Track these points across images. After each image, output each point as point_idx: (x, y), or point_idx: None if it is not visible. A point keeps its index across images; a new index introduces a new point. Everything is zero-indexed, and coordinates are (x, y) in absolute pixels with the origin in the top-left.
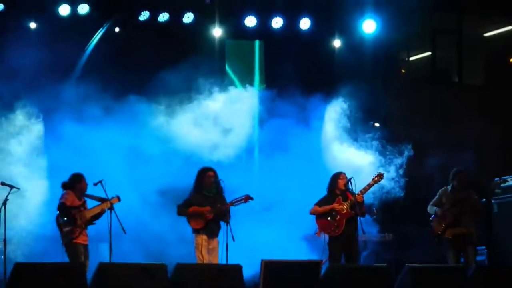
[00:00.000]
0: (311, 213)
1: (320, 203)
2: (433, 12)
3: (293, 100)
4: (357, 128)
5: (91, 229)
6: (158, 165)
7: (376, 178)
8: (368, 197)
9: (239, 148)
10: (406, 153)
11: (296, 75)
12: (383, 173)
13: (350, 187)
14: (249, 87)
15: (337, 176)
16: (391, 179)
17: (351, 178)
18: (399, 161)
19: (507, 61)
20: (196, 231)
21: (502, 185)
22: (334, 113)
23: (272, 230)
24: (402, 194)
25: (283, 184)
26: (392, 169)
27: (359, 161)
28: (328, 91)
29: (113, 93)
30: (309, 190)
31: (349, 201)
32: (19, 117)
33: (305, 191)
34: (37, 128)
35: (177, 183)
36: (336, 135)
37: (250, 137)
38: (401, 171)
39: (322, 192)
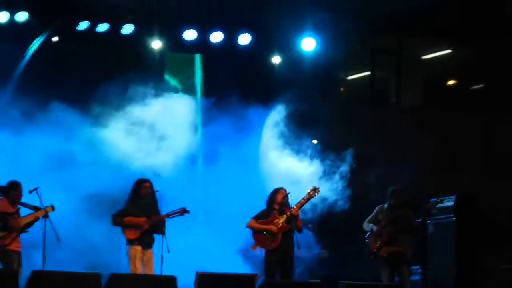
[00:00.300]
0: (247, 227)
1: (257, 217)
2: (373, 33)
3: (231, 109)
4: (295, 140)
5: (23, 236)
6: (88, 172)
7: (311, 192)
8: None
9: (177, 156)
10: (348, 161)
11: (235, 86)
12: (318, 188)
13: (288, 202)
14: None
15: (276, 191)
16: (332, 189)
17: (288, 193)
18: (342, 169)
19: (444, 83)
20: (130, 242)
21: (438, 205)
22: (273, 121)
23: (208, 241)
24: (345, 207)
25: (222, 194)
26: (335, 178)
27: (299, 170)
28: (266, 102)
29: (45, 101)
30: (248, 200)
31: (285, 215)
32: None
33: (244, 201)
34: None
35: (108, 191)
36: (275, 143)
37: (189, 145)
38: (343, 182)
39: (262, 201)
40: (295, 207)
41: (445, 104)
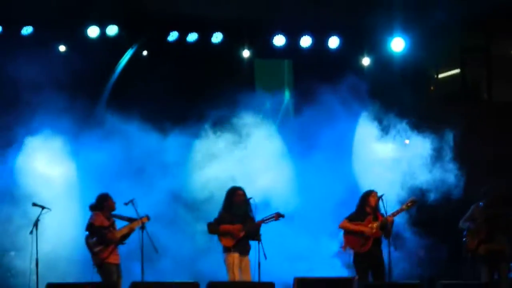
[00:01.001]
0: (340, 227)
1: (350, 218)
2: (462, 30)
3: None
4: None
5: (122, 248)
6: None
7: (409, 204)
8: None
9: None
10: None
11: (325, 89)
12: (417, 200)
13: (381, 205)
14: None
15: (369, 194)
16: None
17: (382, 195)
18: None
19: None
20: (227, 250)
21: None
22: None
23: (304, 245)
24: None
25: (317, 193)
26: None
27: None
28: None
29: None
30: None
31: (380, 222)
32: None
33: (333, 202)
34: None
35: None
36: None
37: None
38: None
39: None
40: (391, 214)
41: None
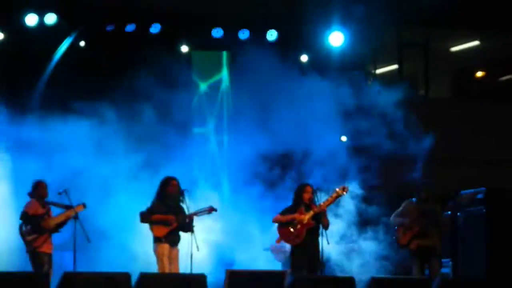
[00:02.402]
0: (273, 221)
1: (284, 212)
2: (400, 26)
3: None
4: None
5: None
6: None
7: (339, 191)
8: None
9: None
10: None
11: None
12: (348, 186)
13: (316, 199)
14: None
15: (303, 189)
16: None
17: (317, 189)
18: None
19: (473, 74)
20: (158, 240)
21: (468, 198)
22: None
23: (237, 238)
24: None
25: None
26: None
27: None
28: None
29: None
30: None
31: (311, 212)
32: None
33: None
34: None
35: None
36: None
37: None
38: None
39: None
40: (322, 204)
41: (474, 95)
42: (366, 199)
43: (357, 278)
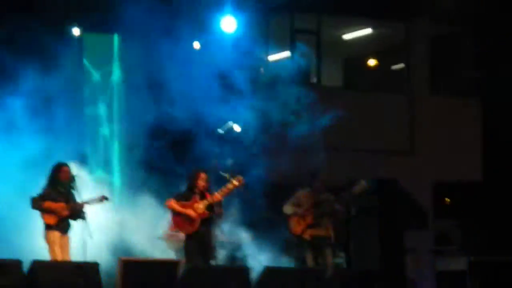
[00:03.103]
0: (167, 207)
1: (177, 197)
2: (292, 13)
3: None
4: None
5: None
6: None
7: (235, 183)
8: None
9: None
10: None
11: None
12: (243, 178)
13: (209, 186)
14: None
15: (198, 175)
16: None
17: (210, 176)
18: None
19: (365, 63)
20: (49, 227)
21: (360, 188)
22: None
23: (130, 226)
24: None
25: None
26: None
27: None
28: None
29: None
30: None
31: (206, 201)
32: None
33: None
34: None
35: None
36: None
37: None
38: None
39: None
40: (217, 194)
41: (366, 84)
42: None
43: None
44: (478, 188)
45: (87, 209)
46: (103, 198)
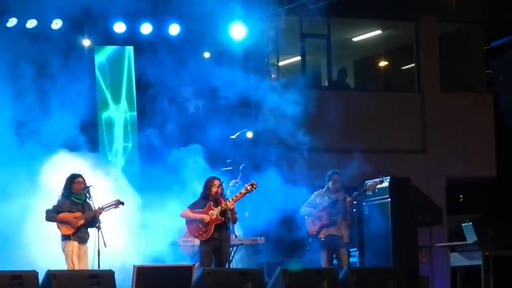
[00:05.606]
0: (181, 216)
1: (192, 206)
2: (301, 17)
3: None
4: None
5: None
6: None
7: (248, 187)
8: None
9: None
10: None
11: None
12: (256, 183)
13: (224, 193)
14: None
15: (211, 182)
16: None
17: (222, 182)
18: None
19: (375, 64)
20: (66, 237)
21: (373, 187)
22: None
23: (145, 233)
24: None
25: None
26: None
27: None
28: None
29: None
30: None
31: (220, 207)
32: None
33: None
34: None
35: None
36: None
37: None
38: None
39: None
40: (230, 200)
41: (377, 84)
42: None
43: None
44: (492, 184)
45: (103, 216)
46: (119, 203)
